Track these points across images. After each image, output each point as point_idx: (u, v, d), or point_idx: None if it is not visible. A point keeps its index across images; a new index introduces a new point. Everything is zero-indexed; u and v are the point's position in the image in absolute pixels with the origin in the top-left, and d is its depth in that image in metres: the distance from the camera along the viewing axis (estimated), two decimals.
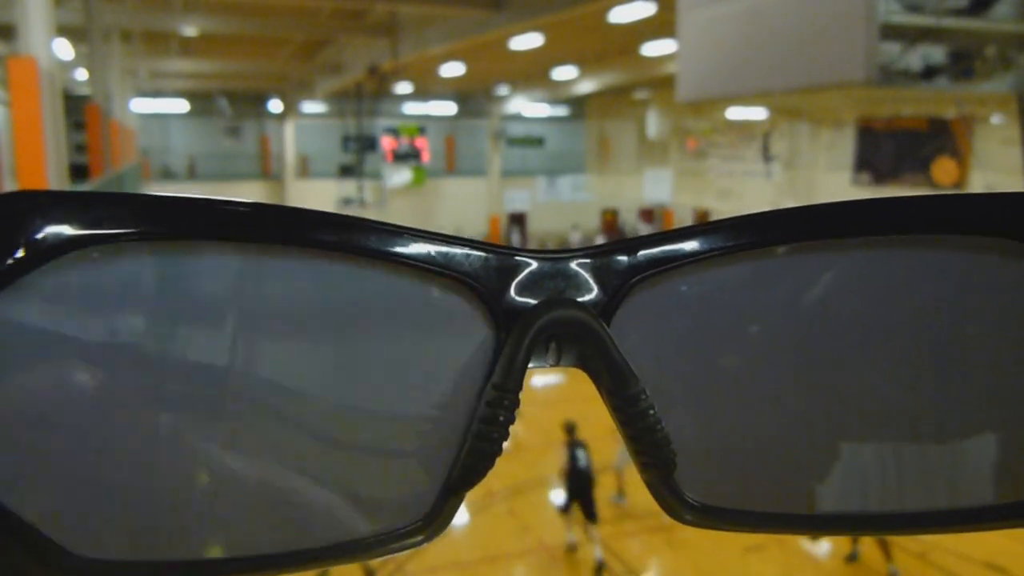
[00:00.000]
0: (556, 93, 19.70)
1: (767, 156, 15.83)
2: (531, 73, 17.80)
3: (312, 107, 22.09)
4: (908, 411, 0.29)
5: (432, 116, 22.41)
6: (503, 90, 20.64)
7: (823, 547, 5.82)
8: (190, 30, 13.71)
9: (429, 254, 0.26)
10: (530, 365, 0.27)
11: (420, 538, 0.27)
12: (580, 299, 0.27)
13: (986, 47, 6.51)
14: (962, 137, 11.26)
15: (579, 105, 22.44)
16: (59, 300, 0.23)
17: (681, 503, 0.29)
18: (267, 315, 0.25)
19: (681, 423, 0.28)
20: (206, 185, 21.17)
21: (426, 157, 20.75)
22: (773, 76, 6.46)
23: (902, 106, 11.86)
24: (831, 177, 14.22)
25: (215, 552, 0.25)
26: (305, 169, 22.55)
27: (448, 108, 22.42)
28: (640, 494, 6.00)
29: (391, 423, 0.27)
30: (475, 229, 20.76)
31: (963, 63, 6.45)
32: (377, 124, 20.13)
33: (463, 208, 21.83)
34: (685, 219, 17.76)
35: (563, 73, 17.00)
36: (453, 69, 15.96)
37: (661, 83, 15.49)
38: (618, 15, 10.62)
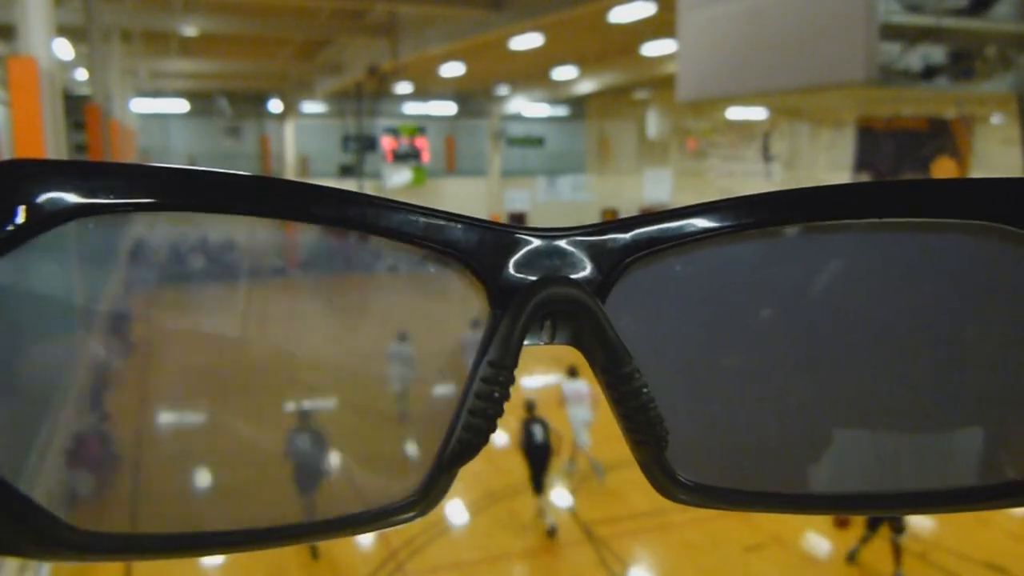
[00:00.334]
0: (556, 93, 19.70)
1: (767, 156, 15.84)
2: (531, 73, 17.81)
3: (312, 107, 22.09)
4: (897, 394, 0.29)
5: (432, 116, 22.42)
6: (503, 90, 20.65)
7: (823, 547, 5.82)
8: (190, 30, 13.71)
9: (426, 230, 0.26)
10: (525, 342, 0.27)
11: (412, 514, 0.27)
12: (575, 277, 0.27)
13: (986, 47, 6.50)
14: (962, 137, 11.26)
15: (579, 105, 22.44)
16: (58, 266, 0.23)
17: (673, 482, 0.29)
18: (268, 292, 0.26)
19: (674, 402, 0.28)
20: None
21: (426, 157, 20.76)
22: (773, 76, 6.46)
23: (902, 106, 11.85)
24: (831, 177, 14.21)
25: (214, 524, 0.25)
26: (305, 169, 22.55)
27: (448, 108, 22.42)
28: (640, 494, 6.01)
29: (385, 398, 0.27)
30: None
31: (963, 63, 6.45)
32: (377, 124, 20.13)
33: (463, 208, 20.85)
34: None
35: (563, 73, 17.01)
36: (453, 69, 15.96)
37: (661, 83, 15.50)
38: (618, 15, 10.62)
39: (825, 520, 5.70)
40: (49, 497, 0.23)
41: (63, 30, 8.90)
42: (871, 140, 12.87)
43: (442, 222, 0.27)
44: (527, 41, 12.55)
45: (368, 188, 19.73)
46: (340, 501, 0.27)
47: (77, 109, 10.89)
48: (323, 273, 0.26)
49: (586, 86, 17.96)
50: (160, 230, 0.24)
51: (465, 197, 22.13)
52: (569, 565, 5.81)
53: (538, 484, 5.88)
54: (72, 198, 0.23)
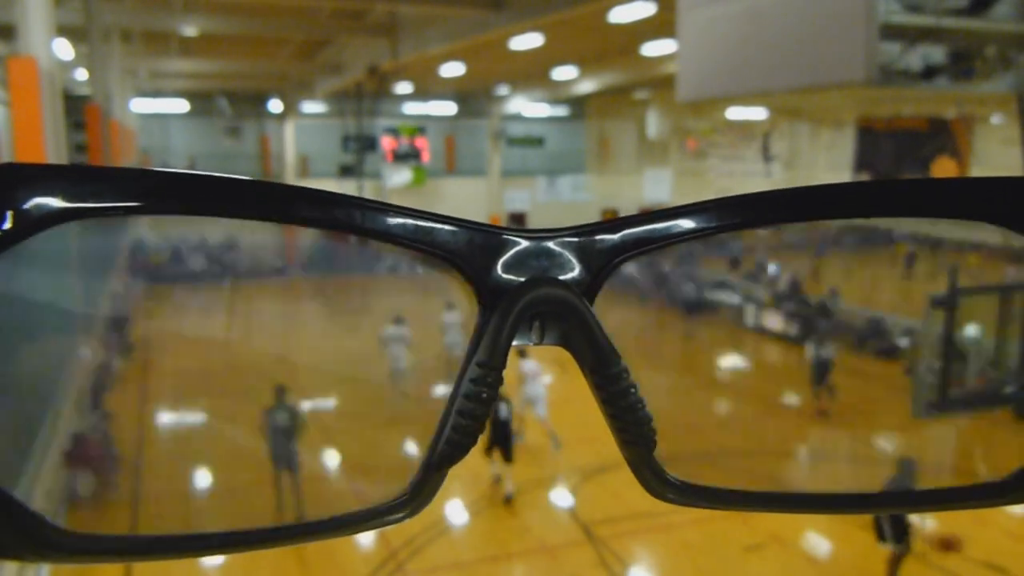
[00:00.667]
0: (556, 93, 19.69)
1: (767, 156, 15.84)
2: (531, 73, 17.80)
3: (312, 107, 22.08)
4: (882, 396, 0.29)
5: (432, 116, 22.41)
6: (503, 90, 20.64)
7: (822, 547, 5.82)
8: (190, 30, 13.71)
9: (415, 232, 0.27)
10: (513, 343, 0.27)
11: (403, 514, 0.27)
12: (563, 278, 0.28)
13: (986, 47, 6.50)
14: (962, 137, 11.25)
15: (579, 105, 22.43)
16: (46, 268, 0.24)
17: (662, 482, 0.29)
18: (250, 293, 0.26)
19: (662, 402, 0.29)
20: None
21: (426, 157, 20.75)
22: (773, 76, 6.46)
23: (902, 106, 11.84)
24: (831, 177, 14.21)
25: (207, 526, 0.26)
26: (305, 169, 22.54)
27: (448, 108, 22.41)
28: (639, 494, 5.99)
29: (374, 400, 0.27)
30: None
31: (963, 63, 6.44)
32: (377, 124, 20.13)
33: (463, 208, 21.80)
34: None
35: (563, 73, 17.00)
36: (453, 69, 15.95)
37: (661, 83, 15.49)
38: (618, 15, 10.62)
39: (826, 520, 5.69)
40: (38, 498, 0.23)
41: (63, 30, 8.90)
42: (871, 140, 12.87)
43: (430, 224, 0.27)
44: (527, 41, 12.55)
45: (368, 188, 19.73)
46: (330, 502, 0.27)
47: (77, 109, 10.89)
48: (317, 274, 0.26)
49: (586, 86, 17.95)
50: (152, 233, 0.24)
51: (465, 197, 22.12)
52: (569, 565, 5.80)
53: (507, 455, 6.53)
54: (63, 202, 0.23)
